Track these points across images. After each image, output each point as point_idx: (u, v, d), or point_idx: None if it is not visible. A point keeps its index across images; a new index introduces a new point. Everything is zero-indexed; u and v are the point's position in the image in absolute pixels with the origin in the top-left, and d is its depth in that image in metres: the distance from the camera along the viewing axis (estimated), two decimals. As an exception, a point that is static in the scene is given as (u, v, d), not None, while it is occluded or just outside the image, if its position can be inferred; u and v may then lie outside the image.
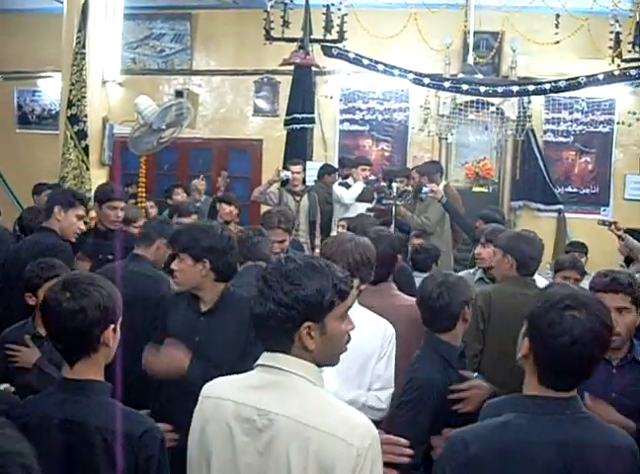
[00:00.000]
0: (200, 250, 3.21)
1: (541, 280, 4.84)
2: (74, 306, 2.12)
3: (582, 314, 1.91)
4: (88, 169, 6.91)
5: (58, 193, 4.96)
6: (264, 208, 8.76)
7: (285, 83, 9.38)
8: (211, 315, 3.22)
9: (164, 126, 6.67)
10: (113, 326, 2.21)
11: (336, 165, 9.02)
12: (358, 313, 3.24)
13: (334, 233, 7.54)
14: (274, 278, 1.91)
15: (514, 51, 9.37)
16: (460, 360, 3.16)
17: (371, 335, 3.15)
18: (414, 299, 3.43)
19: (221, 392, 2.01)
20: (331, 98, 10.08)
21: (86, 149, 6.92)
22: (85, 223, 4.79)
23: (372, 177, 8.51)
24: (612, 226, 6.02)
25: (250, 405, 1.92)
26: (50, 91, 10.77)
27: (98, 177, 7.10)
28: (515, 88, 8.43)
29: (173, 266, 3.26)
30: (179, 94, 7.91)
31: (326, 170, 8.49)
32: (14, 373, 3.50)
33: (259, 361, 1.98)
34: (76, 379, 2.17)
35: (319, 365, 1.97)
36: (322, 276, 1.94)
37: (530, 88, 8.37)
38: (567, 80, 8.14)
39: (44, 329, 2.27)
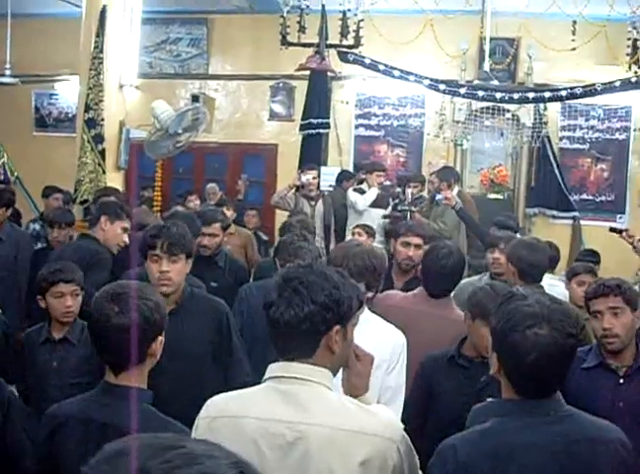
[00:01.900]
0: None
1: (557, 284, 4.85)
2: (124, 322, 2.12)
3: (543, 329, 1.92)
4: (104, 172, 6.93)
5: (107, 203, 5.02)
6: (278, 213, 8.81)
7: (301, 88, 9.40)
8: (177, 314, 3.20)
9: (180, 131, 6.69)
10: (160, 338, 2.23)
11: (352, 170, 9.03)
12: (367, 320, 3.26)
13: (348, 239, 7.55)
14: (311, 280, 1.88)
15: (530, 58, 9.35)
16: None
17: (380, 342, 3.15)
18: None
19: (237, 410, 1.91)
20: (347, 103, 10.09)
21: (103, 153, 6.95)
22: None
23: (387, 182, 8.50)
24: (624, 233, 5.99)
25: (276, 419, 1.85)
26: (67, 94, 10.85)
27: (114, 181, 7.13)
28: (531, 94, 8.42)
29: (166, 268, 3.20)
30: (195, 98, 7.93)
31: (344, 175, 8.49)
32: (31, 373, 3.53)
33: (274, 373, 1.92)
34: (119, 385, 2.19)
35: (334, 374, 1.96)
36: (349, 282, 1.96)
37: (547, 95, 8.37)
38: (583, 87, 8.12)
39: (93, 343, 2.27)
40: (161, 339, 2.24)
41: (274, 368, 1.93)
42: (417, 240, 4.56)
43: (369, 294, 3.21)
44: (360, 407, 1.93)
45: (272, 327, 1.91)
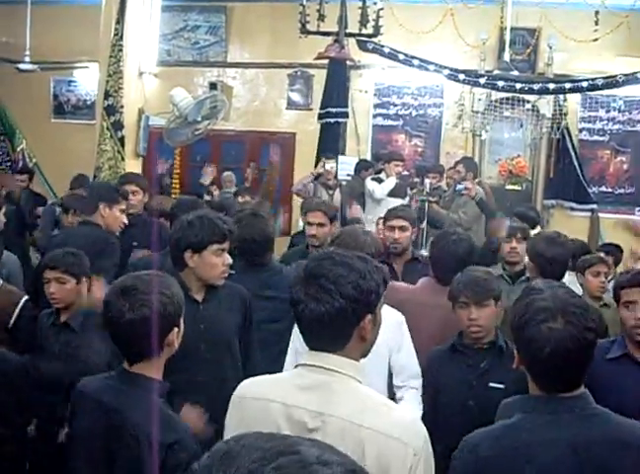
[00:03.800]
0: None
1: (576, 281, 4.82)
2: (137, 317, 2.12)
3: (558, 323, 1.90)
4: (123, 159, 6.96)
5: (101, 188, 4.96)
6: (295, 201, 8.82)
7: (319, 76, 9.37)
8: (208, 302, 3.25)
9: (199, 118, 6.70)
10: (177, 329, 2.23)
11: (369, 160, 9.01)
12: None
13: (367, 227, 7.54)
14: (336, 274, 1.84)
15: (550, 48, 9.25)
16: None
17: (386, 327, 3.18)
18: None
19: (265, 393, 1.93)
20: (365, 92, 10.05)
21: (122, 140, 6.97)
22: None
23: (405, 172, 8.48)
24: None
25: (301, 407, 1.86)
26: (86, 81, 10.88)
27: (132, 167, 7.15)
28: (551, 85, 8.36)
29: (220, 260, 3.19)
30: (213, 86, 7.93)
31: (363, 165, 8.48)
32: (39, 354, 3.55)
33: (304, 361, 1.93)
34: (134, 373, 2.21)
35: (363, 357, 1.95)
36: (372, 266, 1.93)
37: (567, 86, 8.30)
38: (605, 78, 8.04)
39: (110, 336, 2.27)
40: (177, 329, 2.24)
41: (306, 356, 1.93)
42: (401, 222, 4.57)
43: None
44: (385, 404, 1.92)
45: (300, 322, 1.90)
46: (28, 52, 9.75)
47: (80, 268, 3.61)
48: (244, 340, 3.37)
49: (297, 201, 8.72)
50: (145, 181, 5.45)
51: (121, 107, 7.00)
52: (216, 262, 3.17)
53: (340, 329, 1.85)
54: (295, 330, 2.83)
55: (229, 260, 3.21)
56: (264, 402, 1.91)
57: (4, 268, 4.35)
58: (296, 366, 1.97)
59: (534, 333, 1.91)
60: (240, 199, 6.95)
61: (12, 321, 3.75)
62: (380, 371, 3.17)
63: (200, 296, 3.23)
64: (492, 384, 3.07)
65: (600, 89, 8.31)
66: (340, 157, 8.34)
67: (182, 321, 2.28)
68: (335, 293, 1.82)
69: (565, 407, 1.95)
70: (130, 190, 5.13)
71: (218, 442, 0.92)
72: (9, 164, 10.60)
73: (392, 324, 3.16)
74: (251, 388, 2.00)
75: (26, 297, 3.89)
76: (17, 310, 3.79)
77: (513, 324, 2.00)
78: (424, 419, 2.83)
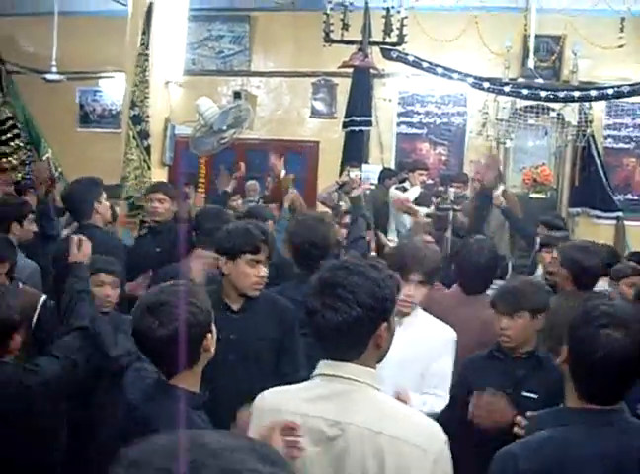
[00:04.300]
0: None
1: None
2: (169, 332, 2.10)
3: (618, 332, 1.89)
4: (150, 168, 6.99)
5: (78, 192, 4.68)
6: (320, 208, 8.81)
7: (342, 85, 9.40)
8: (244, 312, 3.23)
9: (225, 128, 6.73)
10: (210, 334, 2.22)
11: (393, 168, 9.01)
12: (420, 317, 3.28)
13: (391, 236, 7.54)
14: (352, 283, 1.86)
15: (575, 55, 9.20)
16: None
17: (428, 336, 3.19)
18: None
19: (283, 404, 1.96)
20: (389, 101, 10.06)
21: (148, 149, 7.00)
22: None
23: (430, 181, 8.46)
24: None
25: (317, 416, 1.87)
26: (111, 91, 10.98)
27: (158, 177, 7.19)
28: (576, 93, 8.31)
29: (253, 271, 3.17)
30: (237, 95, 7.96)
31: (386, 174, 8.49)
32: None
33: (321, 371, 1.94)
34: (170, 384, 2.20)
35: (378, 363, 1.96)
36: (386, 273, 1.95)
37: (593, 93, 8.24)
38: (631, 85, 7.99)
39: (143, 353, 2.27)
40: (210, 335, 2.23)
41: (322, 366, 1.94)
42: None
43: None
44: (403, 411, 1.93)
45: (317, 331, 1.91)
46: (54, 63, 9.86)
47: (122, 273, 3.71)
48: (283, 354, 3.29)
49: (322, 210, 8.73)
50: (174, 190, 5.44)
51: (147, 116, 7.04)
52: (249, 272, 3.16)
53: (357, 337, 1.87)
54: None
55: (263, 272, 3.19)
56: (281, 413, 1.92)
57: (24, 271, 4.31)
58: (313, 377, 1.97)
59: (591, 334, 1.91)
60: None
61: (34, 321, 3.77)
62: (414, 379, 3.16)
63: (237, 306, 3.23)
64: (525, 393, 3.05)
65: (627, 96, 8.26)
66: (364, 166, 8.33)
67: (213, 326, 2.27)
68: (352, 302, 1.84)
69: (603, 420, 1.93)
70: (157, 198, 5.15)
71: (123, 450, 0.93)
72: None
73: (441, 339, 3.20)
74: (269, 400, 2.01)
75: (44, 297, 3.89)
76: (37, 310, 3.79)
77: (572, 322, 2.00)
78: (443, 417, 2.85)
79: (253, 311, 3.24)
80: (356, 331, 1.86)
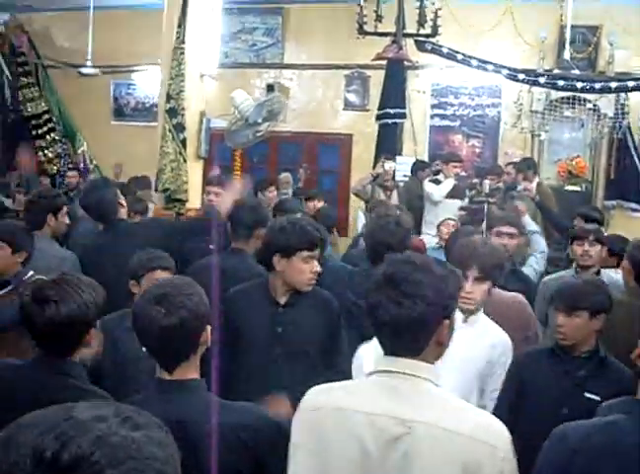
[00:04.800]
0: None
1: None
2: (173, 322, 2.10)
3: None
4: (185, 161, 7.03)
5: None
6: (352, 203, 8.82)
7: (375, 77, 9.37)
8: (291, 307, 3.25)
9: (260, 120, 6.75)
10: (210, 327, 2.23)
11: (426, 160, 8.98)
12: (483, 321, 3.25)
13: (425, 229, 7.51)
14: (417, 278, 1.83)
15: (611, 46, 9.10)
16: None
17: (493, 343, 3.16)
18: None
19: (341, 402, 1.89)
20: (423, 92, 10.02)
21: (184, 142, 7.05)
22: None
23: (463, 173, 8.42)
24: None
25: (384, 414, 1.82)
26: (145, 84, 11.09)
27: (194, 170, 7.25)
28: (613, 84, 8.19)
29: (308, 267, 3.20)
30: (270, 87, 7.96)
31: (419, 166, 8.46)
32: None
33: (382, 367, 1.90)
34: (176, 380, 2.16)
35: (437, 360, 1.94)
36: (449, 270, 1.94)
37: (630, 84, 8.12)
38: (669, 76, 7.88)
39: (141, 344, 2.25)
40: (209, 328, 2.23)
41: (381, 362, 1.91)
42: (510, 229, 4.62)
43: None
44: (465, 407, 1.91)
45: (378, 326, 1.89)
46: (89, 57, 9.97)
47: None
48: (330, 349, 3.30)
49: (355, 202, 8.73)
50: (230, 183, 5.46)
51: (183, 109, 7.08)
52: (304, 268, 3.19)
53: (419, 333, 1.84)
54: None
55: (317, 268, 3.22)
56: (340, 412, 1.87)
57: (65, 263, 4.34)
58: (370, 373, 1.94)
59: None
60: (310, 204, 6.88)
61: None
62: (469, 378, 3.11)
63: (284, 300, 3.26)
64: (587, 395, 2.99)
65: (664, 87, 8.14)
66: (397, 158, 8.31)
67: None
68: (416, 298, 1.80)
69: None
70: (214, 191, 5.19)
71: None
72: (70, 166, 10.85)
73: (500, 346, 3.16)
74: (321, 397, 1.95)
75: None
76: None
77: None
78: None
79: (299, 305, 3.26)
80: (418, 327, 1.83)
